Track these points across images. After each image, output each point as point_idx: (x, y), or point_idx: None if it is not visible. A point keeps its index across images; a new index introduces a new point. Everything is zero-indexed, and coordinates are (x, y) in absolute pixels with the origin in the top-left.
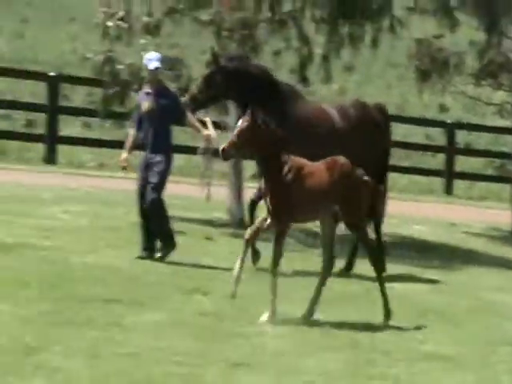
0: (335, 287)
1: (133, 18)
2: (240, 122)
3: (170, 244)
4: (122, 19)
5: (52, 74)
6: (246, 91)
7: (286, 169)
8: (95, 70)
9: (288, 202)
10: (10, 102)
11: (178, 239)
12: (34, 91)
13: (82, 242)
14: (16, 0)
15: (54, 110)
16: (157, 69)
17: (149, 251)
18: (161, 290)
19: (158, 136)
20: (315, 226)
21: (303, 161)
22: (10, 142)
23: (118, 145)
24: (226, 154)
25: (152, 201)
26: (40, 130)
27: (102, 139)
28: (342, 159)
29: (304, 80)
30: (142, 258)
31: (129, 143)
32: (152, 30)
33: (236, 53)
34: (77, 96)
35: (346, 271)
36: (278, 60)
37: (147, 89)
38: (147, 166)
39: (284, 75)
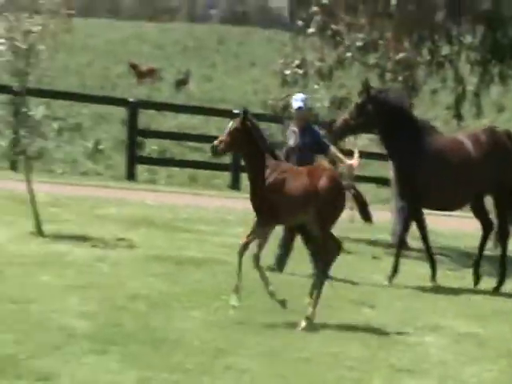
0: (489, 304)
1: (308, 65)
2: (231, 122)
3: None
4: (298, 66)
5: (236, 111)
6: (391, 123)
7: (268, 170)
8: (275, 113)
9: (269, 202)
10: (201, 135)
11: (348, 258)
12: (221, 126)
13: (262, 259)
14: (205, 48)
15: None
16: (300, 108)
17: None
18: (334, 302)
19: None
20: (466, 247)
21: (287, 165)
22: (201, 171)
23: None
24: (216, 150)
25: None
26: (226, 160)
27: None
28: (326, 164)
29: (458, 116)
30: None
31: None
32: (325, 74)
33: (386, 88)
34: None
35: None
36: (434, 98)
37: (293, 126)
38: None
39: (440, 111)
